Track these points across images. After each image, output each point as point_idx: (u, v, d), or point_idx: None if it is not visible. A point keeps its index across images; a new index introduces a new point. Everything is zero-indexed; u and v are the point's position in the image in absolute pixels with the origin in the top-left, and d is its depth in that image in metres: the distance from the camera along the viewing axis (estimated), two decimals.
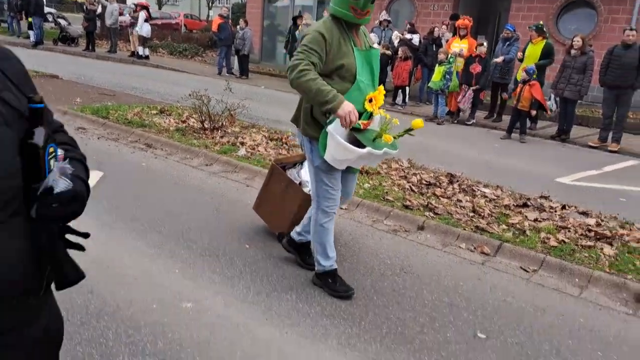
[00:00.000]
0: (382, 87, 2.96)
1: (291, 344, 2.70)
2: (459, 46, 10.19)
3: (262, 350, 2.63)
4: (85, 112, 7.63)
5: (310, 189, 3.23)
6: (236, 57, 14.81)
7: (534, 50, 9.39)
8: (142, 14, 16.01)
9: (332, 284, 3.21)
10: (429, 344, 2.80)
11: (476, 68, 9.59)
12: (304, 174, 3.90)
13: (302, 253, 3.55)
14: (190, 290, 3.13)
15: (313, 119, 2.97)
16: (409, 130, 2.99)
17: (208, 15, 37.96)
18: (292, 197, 3.80)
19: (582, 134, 9.59)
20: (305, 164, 3.90)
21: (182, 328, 2.74)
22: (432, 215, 4.55)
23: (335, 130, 2.78)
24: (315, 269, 3.30)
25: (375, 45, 3.27)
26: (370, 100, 2.87)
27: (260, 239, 3.97)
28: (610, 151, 8.44)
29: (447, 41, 11.44)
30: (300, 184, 3.90)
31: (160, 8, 36.49)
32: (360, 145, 2.78)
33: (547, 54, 9.33)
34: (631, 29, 8.28)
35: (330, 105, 2.68)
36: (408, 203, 4.73)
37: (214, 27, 15.23)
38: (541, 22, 9.99)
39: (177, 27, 29.52)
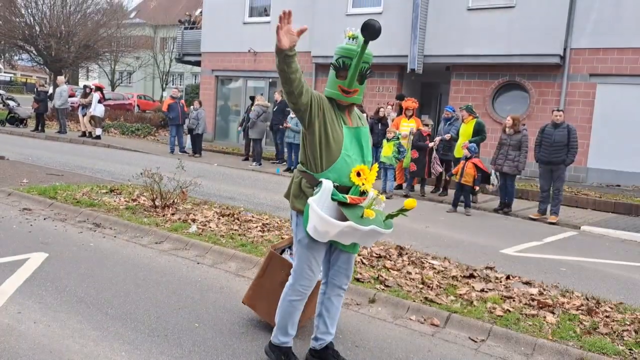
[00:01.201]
0: (376, 165, 3.07)
1: None
2: (408, 126, 10.79)
3: None
4: (31, 193, 7.46)
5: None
6: (189, 135, 15.01)
7: (467, 129, 10.04)
8: (96, 95, 16.17)
9: None
10: None
11: (414, 154, 10.32)
12: None
13: (329, 358, 3.25)
14: None
15: (301, 191, 3.00)
16: (402, 211, 2.98)
17: (161, 96, 38.59)
18: None
19: (523, 206, 10.10)
20: None
21: None
22: (383, 287, 4.62)
23: (318, 203, 2.80)
24: (271, 338, 3.25)
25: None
26: (359, 174, 2.92)
27: (210, 316, 3.91)
28: (550, 223, 8.90)
29: (392, 120, 12.08)
30: None
31: (113, 89, 36.89)
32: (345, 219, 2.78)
33: (478, 132, 9.96)
34: (558, 110, 9.06)
35: (288, 55, 2.70)
36: (359, 276, 4.80)
37: (164, 107, 15.55)
38: (470, 103, 10.77)
39: (130, 107, 29.78)
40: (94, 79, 33.90)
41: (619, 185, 12.40)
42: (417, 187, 11.00)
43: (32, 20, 21.93)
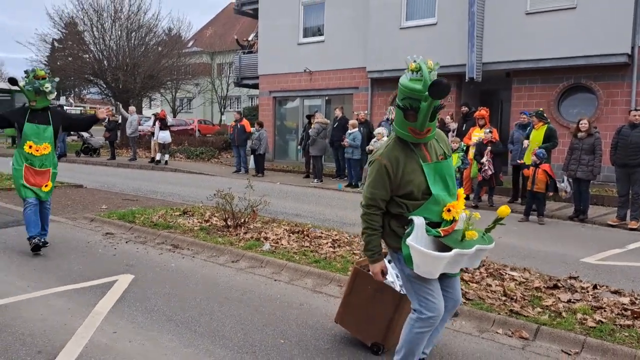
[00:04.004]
0: (461, 190, 3.00)
1: None
2: (478, 136, 10.59)
3: None
4: (112, 218, 7.87)
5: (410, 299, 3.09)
6: (252, 156, 15.43)
7: (537, 135, 9.70)
8: (157, 124, 16.98)
9: None
10: None
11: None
12: (387, 275, 3.66)
13: None
14: None
15: (392, 230, 2.99)
16: (498, 221, 2.95)
17: (220, 120, 39.77)
18: (384, 299, 3.55)
19: (599, 213, 9.63)
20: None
21: None
22: (464, 300, 4.52)
23: (416, 241, 2.76)
24: None
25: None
26: (449, 210, 2.87)
27: (294, 333, 3.96)
28: (630, 229, 8.43)
29: (453, 130, 11.92)
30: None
31: (175, 116, 38.41)
32: (448, 249, 2.76)
33: (549, 138, 9.61)
34: (637, 109, 8.61)
35: (366, 257, 3.05)
36: None
37: (230, 130, 16.01)
38: (541, 109, 10.42)
39: (192, 132, 30.89)
40: (158, 107, 35.48)
41: None
42: (485, 197, 10.71)
43: (100, 55, 23.30)
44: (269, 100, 19.46)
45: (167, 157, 17.39)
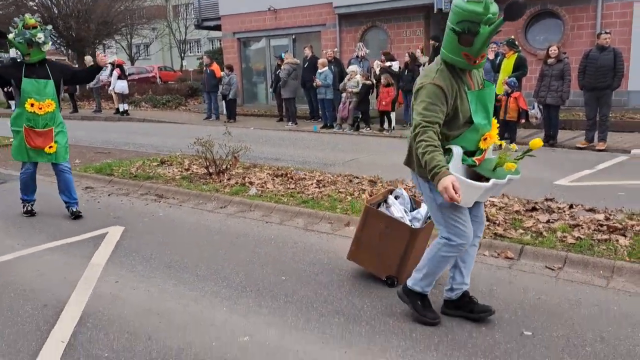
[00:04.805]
0: (495, 120, 2.96)
1: None
2: None
3: None
4: (89, 172, 7.75)
5: (437, 228, 3.09)
6: (223, 102, 15.12)
7: (508, 64, 9.81)
8: (115, 72, 16.35)
9: (420, 308, 3.17)
10: (481, 347, 2.93)
11: None
12: (395, 211, 3.78)
13: (467, 306, 3.22)
14: (242, 325, 3.23)
15: None
16: (527, 152, 2.97)
17: (182, 66, 38.53)
18: (396, 234, 3.62)
19: (568, 137, 9.96)
20: (391, 200, 3.86)
21: None
22: None
23: (454, 170, 2.73)
24: (409, 283, 3.20)
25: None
26: (485, 139, 2.89)
27: (293, 270, 4.10)
28: (599, 150, 8.79)
29: (424, 64, 11.89)
30: None
31: (132, 63, 36.98)
32: (481, 178, 2.79)
33: (519, 67, 9.73)
34: (606, 32, 8.74)
35: (431, 175, 2.71)
36: None
37: (219, 74, 15.14)
38: (512, 37, 10.47)
39: (154, 80, 29.90)
40: (114, 55, 34.00)
41: None
42: None
43: (48, 1, 21.96)
44: (233, 42, 18.91)
45: (126, 106, 16.87)
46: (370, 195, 5.77)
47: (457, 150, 2.84)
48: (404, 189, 4.54)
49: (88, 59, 17.99)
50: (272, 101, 16.60)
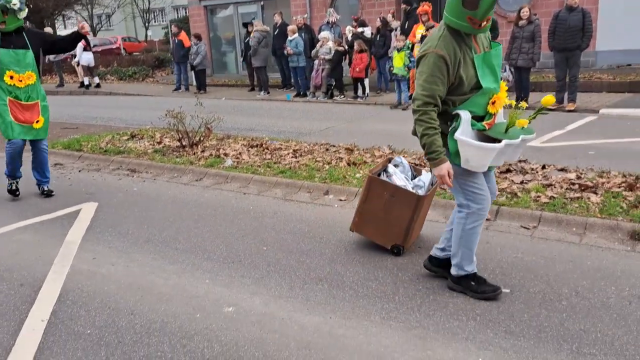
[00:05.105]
0: (504, 83, 2.90)
1: (338, 326, 2.85)
2: (423, 31, 10.37)
3: (313, 336, 2.77)
4: (57, 148, 7.53)
5: (454, 196, 3.07)
6: (192, 72, 14.74)
7: None
8: (80, 44, 15.73)
9: (475, 286, 3.10)
10: (461, 306, 3.00)
11: None
12: (397, 180, 3.73)
13: (449, 267, 3.24)
14: (226, 296, 3.23)
15: None
16: (540, 110, 2.91)
17: (146, 36, 37.37)
18: (401, 203, 3.58)
19: (538, 98, 10.07)
20: (392, 169, 3.80)
21: (232, 330, 2.85)
22: None
23: (463, 134, 2.72)
24: (454, 273, 3.15)
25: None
26: (494, 102, 2.84)
27: (274, 239, 4.09)
28: (568, 111, 8.94)
29: (396, 29, 11.79)
30: None
31: (95, 35, 35.70)
32: (493, 140, 2.75)
33: (491, 29, 9.67)
34: None
35: (428, 159, 2.77)
36: None
37: (187, 43, 14.66)
38: None
39: (118, 51, 28.99)
40: (74, 27, 32.75)
41: (629, 65, 12.26)
42: None
43: None
44: (199, 10, 18.37)
45: (97, 79, 16.37)
46: (349, 164, 5.78)
47: (465, 115, 2.78)
48: (403, 156, 4.50)
49: (47, 31, 17.29)
50: (243, 71, 16.30)
